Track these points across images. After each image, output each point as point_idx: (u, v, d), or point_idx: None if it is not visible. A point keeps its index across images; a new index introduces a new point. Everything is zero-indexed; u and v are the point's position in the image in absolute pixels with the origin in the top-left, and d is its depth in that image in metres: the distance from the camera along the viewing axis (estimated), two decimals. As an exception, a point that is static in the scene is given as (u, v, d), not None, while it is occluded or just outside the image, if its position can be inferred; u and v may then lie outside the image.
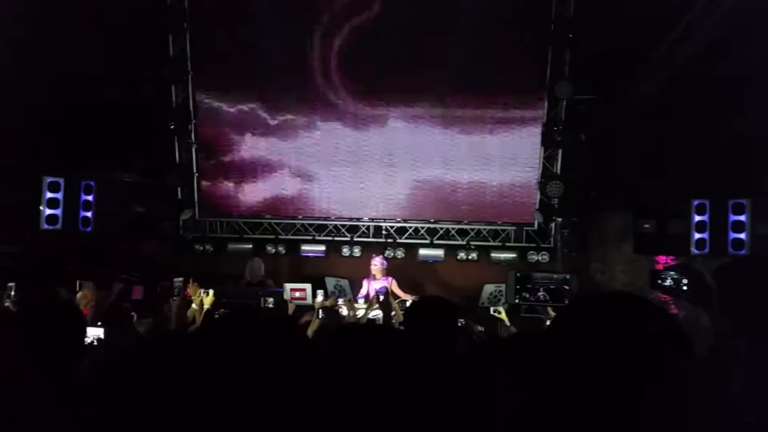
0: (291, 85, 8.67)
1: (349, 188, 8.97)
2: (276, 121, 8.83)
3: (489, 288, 8.12)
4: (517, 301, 6.24)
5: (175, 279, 5.89)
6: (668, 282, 5.02)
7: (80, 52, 7.34)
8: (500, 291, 8.00)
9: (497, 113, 8.60)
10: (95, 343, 4.13)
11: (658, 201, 7.35)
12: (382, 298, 6.26)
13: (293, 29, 8.45)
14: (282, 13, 8.38)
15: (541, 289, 6.18)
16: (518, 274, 6.39)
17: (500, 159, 8.74)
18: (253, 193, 9.14)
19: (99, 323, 4.53)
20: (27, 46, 6.94)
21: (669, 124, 6.92)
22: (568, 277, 6.39)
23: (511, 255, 8.90)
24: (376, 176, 8.90)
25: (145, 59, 8.30)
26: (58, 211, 7.75)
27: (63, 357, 1.91)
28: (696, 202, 6.89)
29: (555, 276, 6.47)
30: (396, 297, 6.84)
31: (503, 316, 5.38)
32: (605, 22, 7.16)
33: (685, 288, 4.72)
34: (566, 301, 6.17)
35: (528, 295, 6.21)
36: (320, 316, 5.19)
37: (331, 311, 5.40)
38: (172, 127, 8.71)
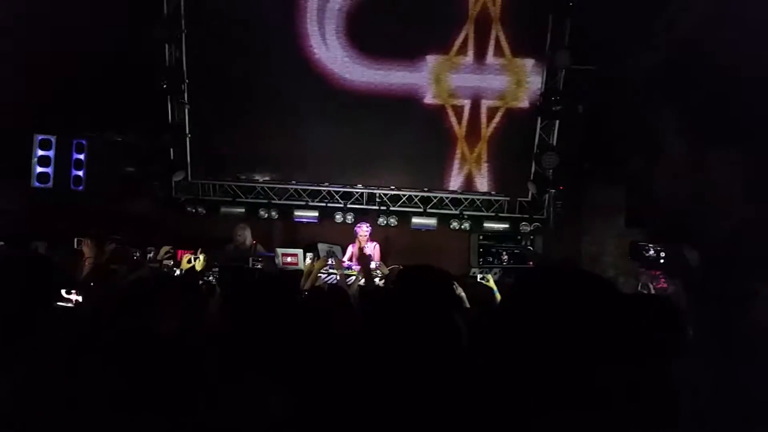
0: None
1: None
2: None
3: (481, 258, 8.15)
4: (480, 263, 5.96)
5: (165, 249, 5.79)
6: (651, 253, 4.98)
7: (75, 12, 7.19)
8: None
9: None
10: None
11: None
12: (372, 264, 6.30)
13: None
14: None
15: (505, 253, 5.92)
16: (480, 237, 6.11)
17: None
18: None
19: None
20: (22, 8, 6.81)
21: (666, 98, 6.85)
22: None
23: (504, 225, 8.87)
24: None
25: (138, 18, 8.13)
26: (49, 170, 7.70)
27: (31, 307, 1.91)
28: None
29: (519, 238, 6.23)
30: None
31: (491, 284, 5.15)
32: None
33: (662, 261, 4.67)
34: (531, 263, 5.96)
35: (492, 259, 5.96)
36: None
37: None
38: (165, 86, 8.58)
